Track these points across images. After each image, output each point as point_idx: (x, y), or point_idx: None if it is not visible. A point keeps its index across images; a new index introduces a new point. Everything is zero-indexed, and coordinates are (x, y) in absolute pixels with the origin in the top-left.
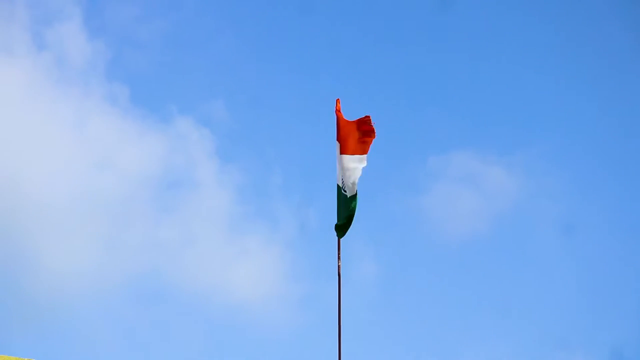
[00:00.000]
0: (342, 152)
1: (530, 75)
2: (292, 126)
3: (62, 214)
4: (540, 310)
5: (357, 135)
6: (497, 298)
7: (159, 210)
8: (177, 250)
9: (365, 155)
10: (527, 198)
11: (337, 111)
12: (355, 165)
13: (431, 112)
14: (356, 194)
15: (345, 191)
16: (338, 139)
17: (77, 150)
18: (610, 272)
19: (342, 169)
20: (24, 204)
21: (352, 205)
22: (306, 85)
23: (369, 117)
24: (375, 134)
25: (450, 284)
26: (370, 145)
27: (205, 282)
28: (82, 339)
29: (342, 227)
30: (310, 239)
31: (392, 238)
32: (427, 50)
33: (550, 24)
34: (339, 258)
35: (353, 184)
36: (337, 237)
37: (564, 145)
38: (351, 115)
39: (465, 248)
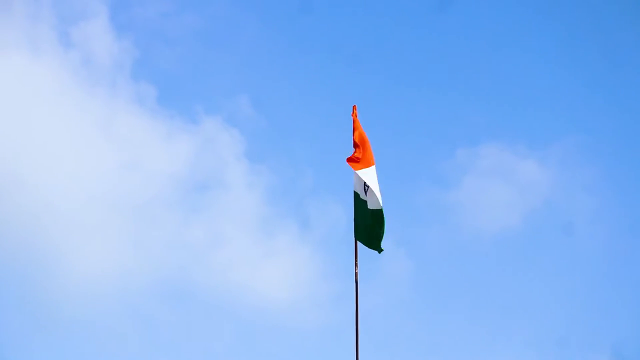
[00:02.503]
0: (364, 165)
1: (563, 66)
2: (321, 126)
3: (89, 215)
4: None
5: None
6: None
7: (187, 212)
8: (205, 252)
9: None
10: (560, 192)
11: (355, 117)
12: (371, 176)
13: (459, 103)
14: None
15: (368, 203)
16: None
17: (105, 151)
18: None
19: (366, 180)
20: (51, 204)
21: (382, 219)
22: (335, 83)
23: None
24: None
25: (480, 279)
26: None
27: (234, 283)
28: (109, 342)
29: (374, 239)
30: (340, 239)
31: (422, 234)
32: (456, 38)
33: (580, 12)
34: (356, 265)
35: (378, 197)
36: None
37: (598, 137)
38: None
39: (497, 243)
